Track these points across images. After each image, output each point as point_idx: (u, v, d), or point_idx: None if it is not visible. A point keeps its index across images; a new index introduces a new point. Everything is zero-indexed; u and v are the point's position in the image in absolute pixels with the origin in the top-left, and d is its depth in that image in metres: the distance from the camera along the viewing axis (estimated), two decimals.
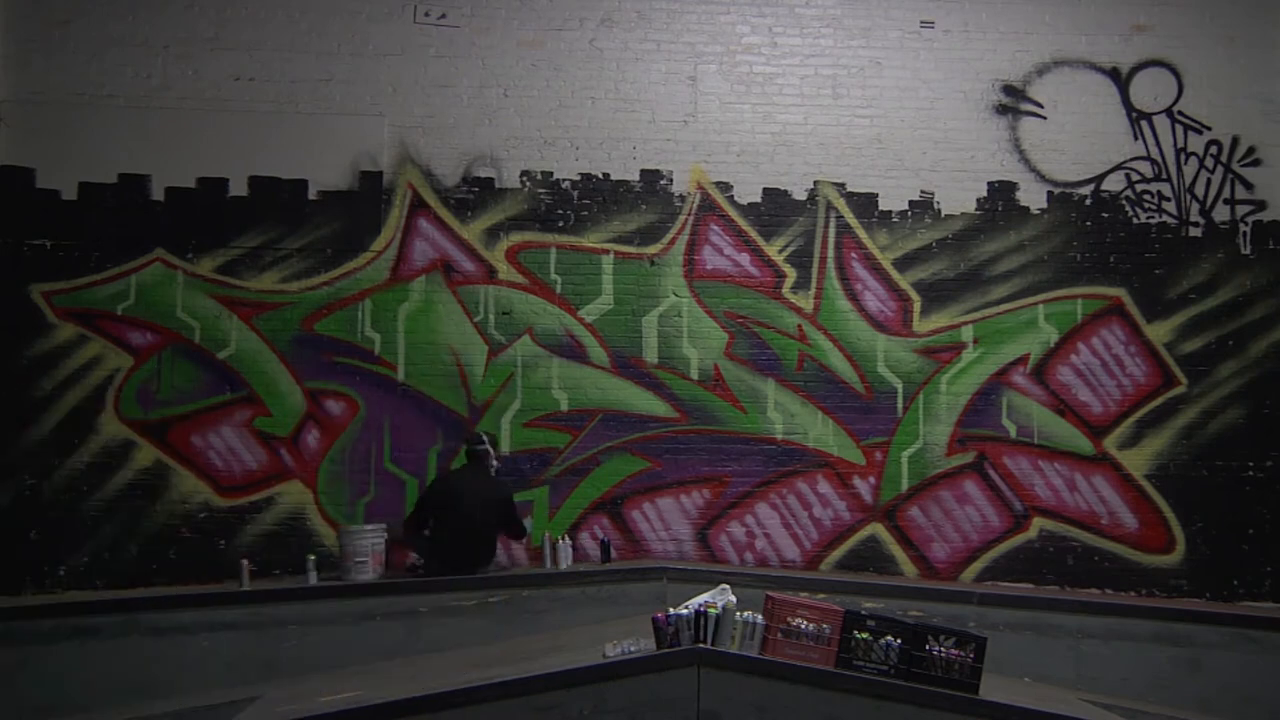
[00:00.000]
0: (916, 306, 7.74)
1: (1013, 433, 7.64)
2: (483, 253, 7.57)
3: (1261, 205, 7.87)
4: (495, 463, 7.07)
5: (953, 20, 7.95)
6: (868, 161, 7.83)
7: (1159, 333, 7.74)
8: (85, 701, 6.07)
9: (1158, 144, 7.91)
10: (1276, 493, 7.63)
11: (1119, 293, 7.77)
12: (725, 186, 7.75)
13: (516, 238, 7.60)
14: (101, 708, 5.99)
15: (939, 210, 7.82)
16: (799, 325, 7.68)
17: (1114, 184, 7.88)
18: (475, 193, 7.61)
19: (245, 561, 6.76)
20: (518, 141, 7.67)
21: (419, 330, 7.45)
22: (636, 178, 7.72)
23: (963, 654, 4.99)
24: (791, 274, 7.72)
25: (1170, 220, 7.86)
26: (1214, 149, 7.91)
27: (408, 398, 7.40)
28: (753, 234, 7.73)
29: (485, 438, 7.03)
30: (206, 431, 7.22)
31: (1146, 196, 7.88)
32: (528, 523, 7.16)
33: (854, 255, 7.76)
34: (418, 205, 7.56)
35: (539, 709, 4.88)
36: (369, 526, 6.89)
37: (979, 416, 7.65)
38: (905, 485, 7.59)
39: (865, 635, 4.98)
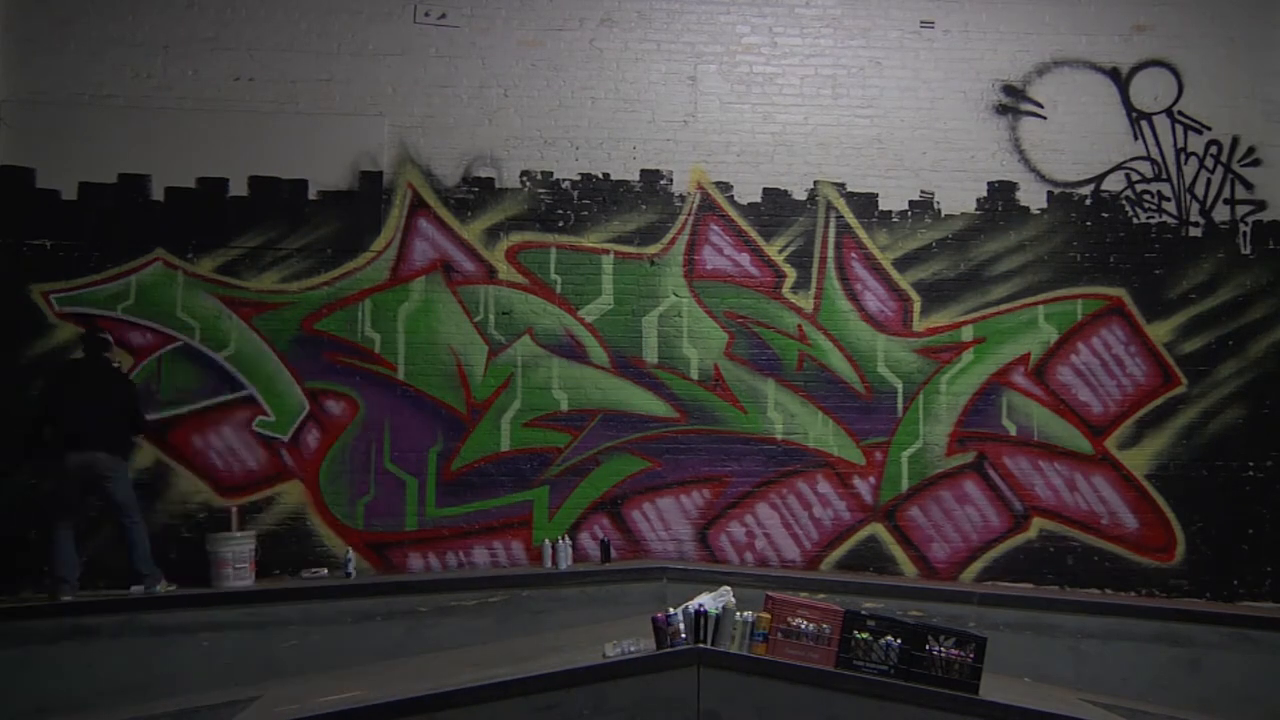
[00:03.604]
0: (916, 306, 7.74)
1: (1013, 432, 7.64)
2: (483, 253, 7.57)
3: (1261, 205, 7.87)
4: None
5: (953, 20, 7.95)
6: (868, 161, 7.83)
7: (1159, 333, 7.74)
8: (85, 701, 6.07)
9: (1158, 144, 7.91)
10: (1276, 493, 7.63)
11: (1119, 293, 7.77)
12: (725, 186, 7.75)
13: (516, 238, 7.60)
14: (101, 708, 5.99)
15: (939, 210, 7.82)
16: (799, 325, 7.68)
17: (1114, 184, 7.88)
18: (475, 193, 7.61)
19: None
20: (518, 141, 7.67)
21: (419, 330, 7.44)
22: (636, 178, 7.72)
23: (963, 654, 4.99)
24: (791, 274, 7.72)
25: (1170, 220, 7.86)
26: (1214, 149, 7.91)
27: (407, 398, 7.40)
28: (753, 234, 7.73)
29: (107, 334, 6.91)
30: (206, 431, 7.22)
31: (1146, 196, 7.88)
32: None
33: (854, 255, 7.76)
34: (418, 205, 7.56)
35: (539, 709, 4.88)
36: (240, 533, 6.92)
37: (979, 416, 7.65)
38: (905, 485, 7.59)
39: (865, 635, 4.98)
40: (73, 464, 6.52)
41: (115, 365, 6.92)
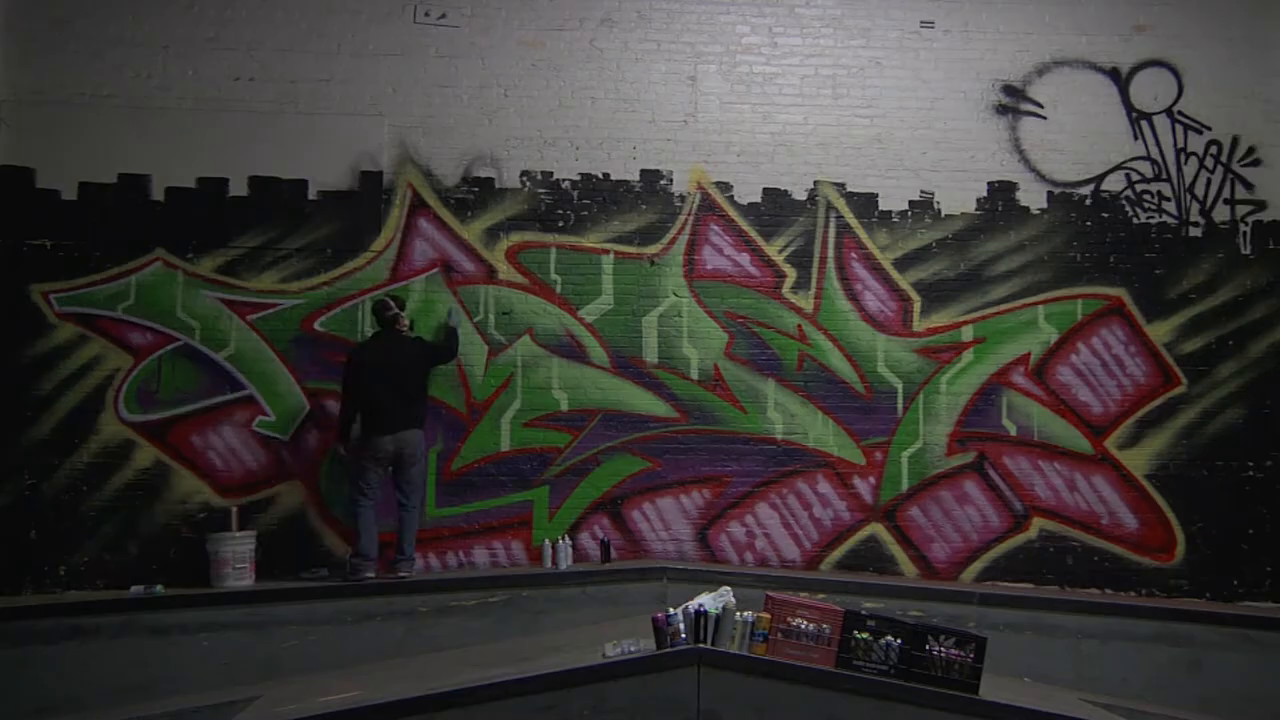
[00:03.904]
0: (916, 306, 7.74)
1: (1013, 432, 7.64)
2: (483, 253, 7.57)
3: (1261, 205, 7.87)
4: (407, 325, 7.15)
5: (953, 20, 7.95)
6: (868, 161, 7.83)
7: (1159, 333, 7.74)
8: (85, 701, 6.07)
9: (1158, 144, 7.91)
10: (1276, 493, 7.63)
11: (1119, 293, 7.77)
12: (725, 186, 7.75)
13: (516, 238, 7.60)
14: (101, 708, 5.99)
15: (939, 210, 7.82)
16: (799, 325, 7.67)
17: (1113, 184, 7.88)
18: (475, 193, 7.61)
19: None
20: (518, 141, 7.66)
21: (419, 330, 7.43)
22: (636, 178, 7.72)
23: (963, 654, 4.99)
24: (791, 274, 7.72)
25: (1170, 220, 7.86)
26: (1214, 149, 7.91)
27: None
28: (753, 234, 7.72)
29: (393, 302, 7.09)
30: (206, 431, 7.22)
31: (1147, 196, 7.87)
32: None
33: (854, 255, 7.76)
34: (418, 205, 7.55)
35: (539, 709, 4.88)
36: (240, 533, 6.92)
37: (979, 416, 7.65)
38: (905, 485, 7.59)
39: (865, 635, 4.98)
40: (386, 448, 6.80)
41: (407, 333, 7.13)
